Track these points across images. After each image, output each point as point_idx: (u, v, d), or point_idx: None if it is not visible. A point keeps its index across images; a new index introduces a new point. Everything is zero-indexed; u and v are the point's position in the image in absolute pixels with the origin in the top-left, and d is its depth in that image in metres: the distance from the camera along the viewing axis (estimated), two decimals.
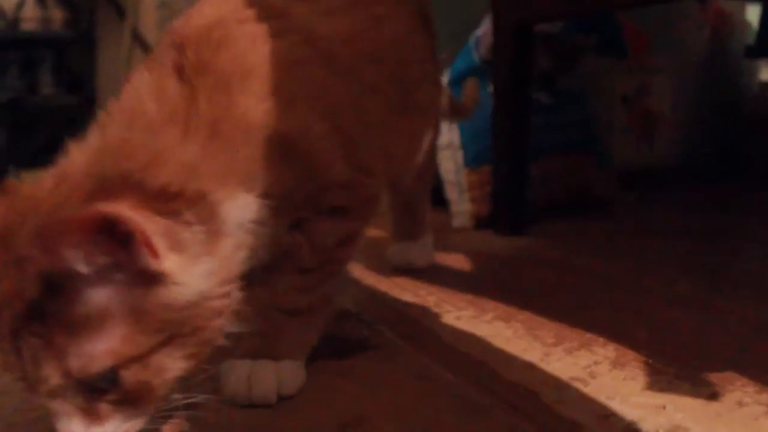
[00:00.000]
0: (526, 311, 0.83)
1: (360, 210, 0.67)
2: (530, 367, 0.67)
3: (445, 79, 1.41)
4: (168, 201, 0.49)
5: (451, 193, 1.40)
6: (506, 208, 1.28)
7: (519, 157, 1.28)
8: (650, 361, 0.67)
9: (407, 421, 0.57)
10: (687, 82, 1.75)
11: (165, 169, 0.50)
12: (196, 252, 0.49)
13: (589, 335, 0.74)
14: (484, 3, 1.34)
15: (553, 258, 1.11)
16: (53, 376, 0.45)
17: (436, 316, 0.82)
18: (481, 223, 1.34)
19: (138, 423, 0.49)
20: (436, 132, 1.00)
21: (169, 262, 0.47)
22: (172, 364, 0.48)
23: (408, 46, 0.81)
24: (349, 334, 0.78)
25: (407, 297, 0.90)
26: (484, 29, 1.36)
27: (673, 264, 1.06)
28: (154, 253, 0.46)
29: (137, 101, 0.55)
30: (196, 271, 0.49)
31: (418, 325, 0.80)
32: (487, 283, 0.99)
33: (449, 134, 1.40)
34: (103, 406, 0.47)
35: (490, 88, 1.33)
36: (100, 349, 0.45)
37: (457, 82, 1.39)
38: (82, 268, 0.44)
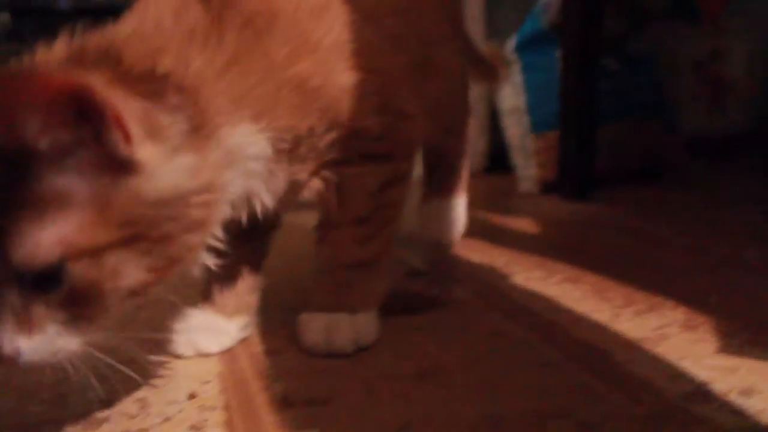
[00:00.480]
0: (594, 274, 0.84)
1: (398, 153, 0.65)
2: (600, 326, 0.68)
3: (511, 44, 1.40)
4: (152, 82, 0.45)
5: (517, 158, 1.40)
6: (573, 174, 1.28)
7: (586, 122, 1.27)
8: (721, 325, 0.67)
9: (481, 372, 0.59)
10: (763, 45, 1.69)
11: (162, 56, 0.46)
12: (178, 144, 0.45)
13: (658, 298, 0.75)
14: None
15: (620, 224, 1.11)
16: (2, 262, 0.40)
17: (505, 277, 0.84)
18: (547, 188, 1.34)
19: (74, 341, 0.45)
20: (465, 89, 0.93)
21: (143, 150, 0.43)
22: (130, 271, 0.44)
23: (427, 2, 0.77)
24: (421, 291, 0.80)
25: (476, 257, 0.92)
26: None
27: (744, 230, 1.04)
28: (126, 137, 0.42)
29: (154, 14, 0.51)
30: (175, 164, 0.45)
31: (488, 285, 0.82)
32: (555, 246, 1.00)
33: (515, 99, 1.40)
34: (40, 312, 0.43)
35: (558, 54, 1.32)
36: (50, 237, 0.40)
37: (524, 47, 1.39)
38: (40, 143, 0.40)
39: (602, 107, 1.29)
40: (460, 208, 0.95)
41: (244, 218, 0.58)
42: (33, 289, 0.42)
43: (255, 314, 0.70)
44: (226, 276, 0.67)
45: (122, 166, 0.42)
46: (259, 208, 0.57)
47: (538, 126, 1.37)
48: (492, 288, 0.81)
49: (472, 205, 1.27)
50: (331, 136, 0.59)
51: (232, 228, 0.63)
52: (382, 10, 0.67)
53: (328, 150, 0.59)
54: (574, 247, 0.99)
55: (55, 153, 0.40)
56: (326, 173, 0.61)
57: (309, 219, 0.67)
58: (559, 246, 1.00)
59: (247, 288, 0.68)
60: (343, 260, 0.64)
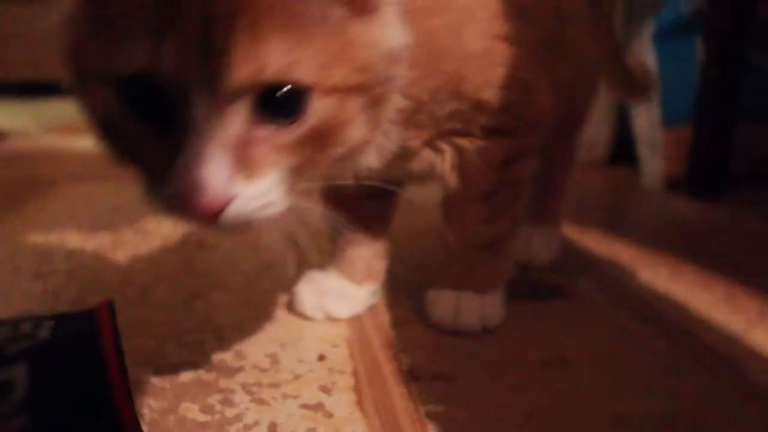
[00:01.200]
0: (725, 280, 0.80)
1: (524, 129, 0.62)
2: (731, 336, 0.66)
3: (649, 29, 1.35)
4: None
5: (644, 151, 1.35)
6: (705, 172, 1.22)
7: (726, 119, 1.21)
8: None
9: (607, 369, 0.59)
10: None
11: None
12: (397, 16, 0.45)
13: None
14: None
15: (753, 228, 1.05)
16: (241, 68, 0.36)
17: (631, 273, 0.82)
18: (672, 184, 1.29)
19: (286, 198, 0.42)
20: (590, 93, 0.85)
21: (387, 3, 0.44)
22: (359, 123, 0.43)
23: None
24: (547, 280, 0.79)
25: (601, 250, 0.90)
26: None
27: None
28: None
29: None
30: (398, 28, 0.45)
31: (614, 279, 0.80)
32: (683, 246, 0.96)
33: None
34: (264, 152, 0.39)
35: (699, 42, 1.25)
36: (303, 58, 0.38)
37: (663, 33, 1.33)
38: None
39: (741, 104, 1.22)
40: (555, 238, 0.86)
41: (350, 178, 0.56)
42: (261, 119, 0.39)
43: (382, 283, 0.72)
44: (355, 241, 0.68)
45: (366, 10, 0.42)
46: (363, 170, 0.53)
47: (669, 118, 1.31)
48: (618, 284, 0.79)
49: (593, 196, 1.25)
50: (453, 105, 0.57)
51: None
52: None
53: (447, 119, 0.57)
54: (703, 249, 0.95)
55: None
56: (441, 144, 0.60)
57: (429, 197, 0.67)
58: (687, 246, 0.95)
59: (375, 254, 0.70)
60: (470, 239, 0.64)
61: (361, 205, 0.67)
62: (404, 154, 0.58)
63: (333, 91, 0.40)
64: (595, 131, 1.45)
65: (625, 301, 0.74)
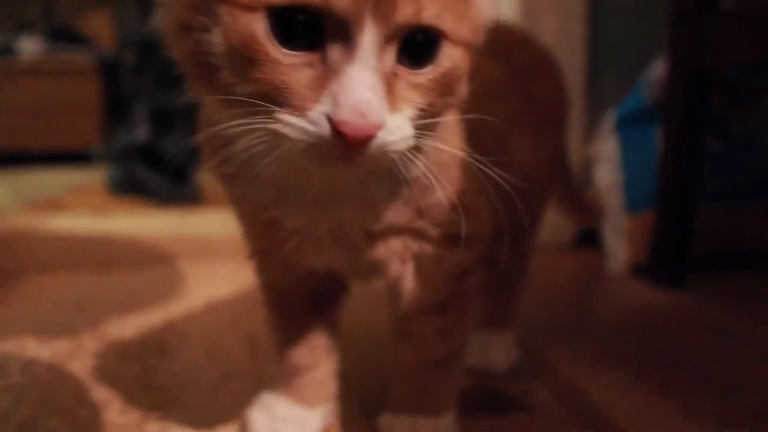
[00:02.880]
0: (686, 383, 0.81)
1: (483, 238, 0.62)
2: None
3: (611, 118, 1.39)
4: None
5: (608, 237, 1.37)
6: (667, 258, 1.24)
7: (686, 205, 1.23)
8: None
9: None
10: None
11: None
12: None
13: (757, 423, 0.72)
14: (657, 41, 1.30)
15: (715, 319, 1.06)
16: (406, 9, 0.41)
17: (590, 377, 0.82)
18: (637, 271, 1.31)
19: (410, 133, 0.44)
20: (539, 205, 0.85)
21: None
22: (464, 81, 0.49)
23: (504, 90, 0.73)
24: (504, 390, 0.79)
25: (562, 351, 0.91)
26: (658, 71, 1.32)
27: None
28: None
29: None
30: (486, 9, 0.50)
31: (572, 386, 0.80)
32: (645, 341, 0.96)
33: (612, 175, 1.37)
34: (404, 90, 0.44)
35: (658, 131, 1.29)
36: (443, 10, 0.44)
37: (625, 122, 1.37)
38: None
39: (700, 188, 1.25)
40: (511, 342, 0.86)
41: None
42: (403, 59, 0.43)
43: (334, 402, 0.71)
44: (305, 363, 0.67)
45: None
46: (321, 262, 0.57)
47: (633, 205, 1.34)
48: (575, 391, 0.79)
49: (557, 283, 1.26)
50: (438, 196, 0.56)
51: (299, 296, 0.65)
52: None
53: (426, 211, 0.57)
54: (664, 346, 0.95)
55: None
56: (409, 242, 0.59)
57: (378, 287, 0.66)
58: (648, 343, 0.96)
59: (326, 374, 0.69)
60: (426, 357, 0.63)
61: (307, 322, 0.68)
62: (381, 234, 0.58)
63: (461, 43, 0.46)
64: (561, 215, 1.48)
65: (581, 413, 0.74)
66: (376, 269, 0.61)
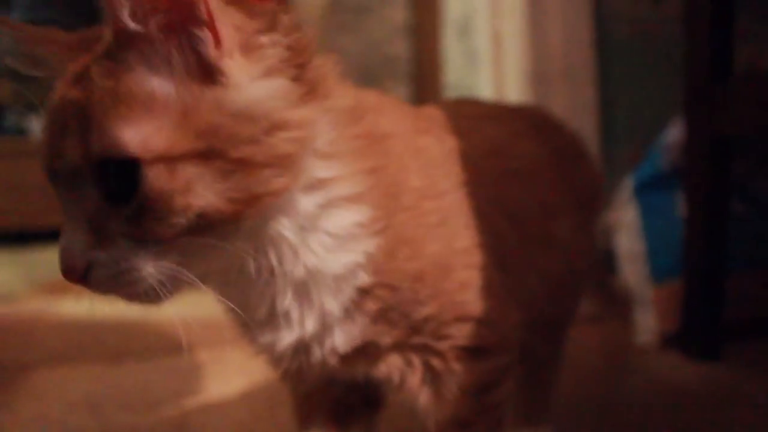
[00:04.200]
0: None
1: (501, 346, 0.58)
2: None
3: (629, 185, 1.36)
4: (266, 13, 0.44)
5: (635, 307, 1.32)
6: (699, 329, 1.19)
7: (715, 271, 1.19)
8: None
9: None
10: None
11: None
12: (274, 67, 0.44)
13: None
14: (669, 105, 1.29)
15: (752, 393, 1.01)
16: (75, 150, 0.42)
17: None
18: (668, 341, 1.25)
19: (148, 261, 0.43)
20: (578, 289, 0.81)
21: (231, 61, 0.43)
22: (203, 191, 0.42)
23: (547, 170, 0.71)
24: None
25: None
26: (674, 136, 1.30)
27: None
28: (216, 42, 0.42)
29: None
30: (265, 84, 0.44)
31: None
32: (686, 426, 0.91)
33: (633, 243, 1.33)
34: (113, 225, 0.43)
35: (679, 196, 1.26)
36: (133, 133, 0.40)
37: (643, 189, 1.34)
38: (131, 21, 0.41)
39: (731, 253, 1.21)
40: None
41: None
42: (108, 196, 0.42)
43: None
44: None
45: (208, 74, 0.42)
46: (328, 354, 0.52)
47: (658, 273, 1.29)
48: None
49: (585, 359, 1.21)
50: (431, 308, 0.53)
51: (320, 404, 0.63)
52: (501, 177, 0.64)
53: (420, 327, 0.54)
54: (705, 428, 0.89)
55: (152, 45, 0.42)
56: (412, 356, 0.55)
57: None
58: (691, 425, 0.90)
59: None
60: None
61: (341, 426, 0.64)
62: (370, 352, 0.54)
63: (162, 159, 0.41)
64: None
65: None
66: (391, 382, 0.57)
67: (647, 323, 1.29)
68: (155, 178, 0.41)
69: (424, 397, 0.56)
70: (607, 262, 1.34)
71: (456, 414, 0.56)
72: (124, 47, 0.42)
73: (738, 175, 1.34)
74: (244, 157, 0.42)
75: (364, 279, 0.50)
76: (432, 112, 0.66)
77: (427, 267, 0.52)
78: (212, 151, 0.41)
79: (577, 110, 1.49)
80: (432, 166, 0.56)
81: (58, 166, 0.43)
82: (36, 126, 3.47)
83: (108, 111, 0.41)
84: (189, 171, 0.41)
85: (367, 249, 0.50)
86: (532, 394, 0.80)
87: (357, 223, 0.49)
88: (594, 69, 1.53)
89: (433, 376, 0.56)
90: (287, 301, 0.50)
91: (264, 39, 0.44)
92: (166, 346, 1.36)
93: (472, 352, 0.56)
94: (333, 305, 0.51)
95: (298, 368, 0.55)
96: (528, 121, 0.75)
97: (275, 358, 0.55)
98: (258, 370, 1.12)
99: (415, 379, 0.56)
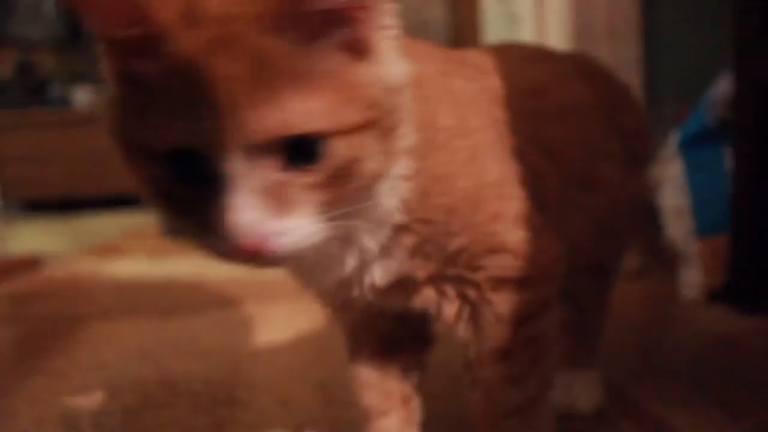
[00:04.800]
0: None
1: (540, 278, 0.58)
2: None
3: (674, 141, 1.34)
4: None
5: (680, 262, 1.31)
6: (746, 282, 1.18)
7: (761, 226, 1.17)
8: None
9: None
10: None
11: None
12: (395, 50, 0.48)
13: None
14: (715, 61, 1.26)
15: None
16: (258, 126, 0.41)
17: (681, 417, 0.77)
18: (713, 296, 1.25)
19: (323, 227, 0.45)
20: (625, 233, 0.82)
21: (380, 39, 0.46)
22: (374, 155, 0.46)
23: (592, 113, 0.71)
24: None
25: (648, 389, 0.86)
26: (721, 91, 1.27)
27: None
28: (370, 22, 0.45)
29: None
30: (396, 62, 0.48)
31: (664, 427, 0.75)
32: (733, 376, 0.90)
33: (678, 198, 1.32)
34: (293, 193, 0.43)
35: (726, 151, 1.24)
36: (316, 108, 0.42)
37: (688, 144, 1.32)
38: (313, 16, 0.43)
39: None
40: (596, 380, 0.81)
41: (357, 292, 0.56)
42: (288, 165, 0.43)
43: None
44: (375, 406, 0.66)
45: (365, 51, 0.46)
46: (367, 288, 0.55)
47: (703, 229, 1.28)
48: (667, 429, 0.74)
49: (630, 314, 1.21)
50: (464, 239, 0.54)
51: (369, 338, 0.65)
52: (545, 117, 0.65)
53: (454, 258, 0.55)
54: (756, 379, 0.89)
55: (321, 28, 0.43)
56: (447, 288, 0.57)
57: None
58: (739, 376, 0.90)
59: (398, 422, 0.66)
60: (496, 408, 0.59)
61: (380, 366, 0.66)
62: (406, 285, 0.56)
63: (347, 132, 0.44)
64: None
65: None
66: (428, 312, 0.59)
67: (692, 278, 1.28)
68: (340, 148, 0.43)
69: (462, 327, 0.58)
70: (652, 217, 1.33)
71: (495, 344, 0.57)
72: (296, 25, 0.43)
73: None
74: (391, 124, 0.47)
75: (400, 218, 0.53)
76: (469, 54, 0.67)
77: (458, 201, 0.54)
78: (374, 121, 0.45)
79: (622, 67, 1.47)
80: (461, 105, 0.58)
81: (226, 141, 0.41)
82: (81, 96, 3.55)
83: (286, 87, 0.41)
84: (362, 140, 0.45)
85: (405, 193, 0.52)
86: (579, 338, 0.80)
87: (401, 176, 0.51)
88: (638, 24, 1.51)
89: (470, 307, 0.57)
90: (331, 244, 0.51)
91: (390, 29, 0.48)
92: (215, 301, 1.40)
93: (507, 283, 0.57)
94: (371, 244, 0.53)
95: (343, 303, 0.60)
96: (575, 65, 0.75)
97: (322, 295, 0.60)
98: (305, 322, 1.16)
99: (451, 309, 0.58)
